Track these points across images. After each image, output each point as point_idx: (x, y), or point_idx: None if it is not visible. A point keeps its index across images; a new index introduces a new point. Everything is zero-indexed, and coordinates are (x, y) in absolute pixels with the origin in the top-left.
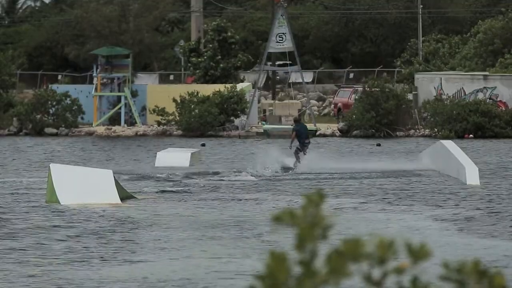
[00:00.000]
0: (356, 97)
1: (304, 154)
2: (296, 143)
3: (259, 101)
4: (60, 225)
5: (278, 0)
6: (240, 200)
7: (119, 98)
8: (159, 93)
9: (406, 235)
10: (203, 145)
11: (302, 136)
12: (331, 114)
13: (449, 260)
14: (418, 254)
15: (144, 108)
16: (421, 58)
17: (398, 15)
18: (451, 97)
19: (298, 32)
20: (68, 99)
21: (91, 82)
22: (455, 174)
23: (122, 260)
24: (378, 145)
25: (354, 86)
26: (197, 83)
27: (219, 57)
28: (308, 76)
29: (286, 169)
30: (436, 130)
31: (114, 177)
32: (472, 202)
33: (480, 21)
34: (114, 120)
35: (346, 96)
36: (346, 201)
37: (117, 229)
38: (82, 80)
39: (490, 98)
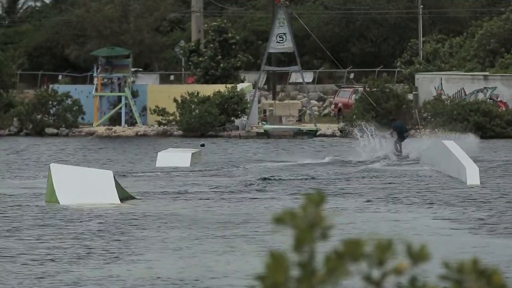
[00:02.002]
0: (357, 97)
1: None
2: (395, 136)
3: (259, 101)
4: (60, 225)
5: (279, 0)
6: (241, 199)
7: (119, 98)
8: (160, 93)
9: (411, 236)
10: (203, 145)
11: (401, 132)
12: (331, 114)
13: (449, 260)
14: (417, 255)
15: (144, 108)
16: (421, 58)
17: (399, 15)
18: (452, 97)
19: (298, 32)
20: (69, 99)
21: (91, 82)
22: (456, 174)
23: (122, 260)
24: None
25: (355, 86)
26: (198, 83)
27: (220, 57)
28: (309, 76)
29: (387, 158)
30: (436, 130)
31: (114, 177)
32: (473, 202)
33: (480, 21)
34: (114, 120)
35: (346, 96)
36: (349, 201)
37: (117, 229)
38: (82, 80)
39: (490, 98)
